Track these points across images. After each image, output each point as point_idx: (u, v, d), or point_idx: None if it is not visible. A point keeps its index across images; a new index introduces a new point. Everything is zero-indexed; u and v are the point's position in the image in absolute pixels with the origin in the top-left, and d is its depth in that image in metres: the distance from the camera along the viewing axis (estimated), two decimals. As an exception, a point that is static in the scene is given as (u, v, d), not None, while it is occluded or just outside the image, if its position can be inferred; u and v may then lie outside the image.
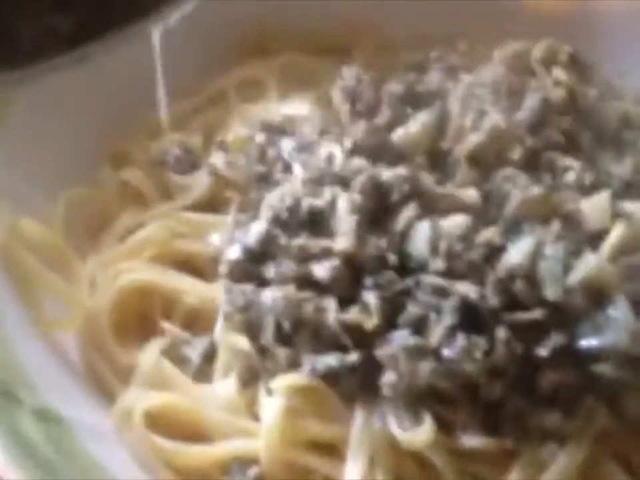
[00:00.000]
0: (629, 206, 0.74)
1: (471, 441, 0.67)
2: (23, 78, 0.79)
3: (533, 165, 0.77)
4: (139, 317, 0.76)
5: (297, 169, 0.78)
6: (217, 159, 0.83)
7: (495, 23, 0.96)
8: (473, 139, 0.77)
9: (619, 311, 0.69)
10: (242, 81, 0.94)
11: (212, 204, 0.82)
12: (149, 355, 0.72)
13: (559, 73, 0.83)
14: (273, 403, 0.68)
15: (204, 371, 0.73)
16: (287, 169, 0.80)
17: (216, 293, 0.74)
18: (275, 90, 0.92)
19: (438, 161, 0.77)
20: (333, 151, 0.77)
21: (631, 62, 0.93)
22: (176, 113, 0.91)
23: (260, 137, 0.83)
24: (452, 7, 0.99)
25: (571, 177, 0.76)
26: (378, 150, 0.77)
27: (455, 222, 0.72)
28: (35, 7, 0.79)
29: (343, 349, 0.69)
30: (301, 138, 0.81)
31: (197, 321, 0.75)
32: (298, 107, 0.86)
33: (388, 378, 0.68)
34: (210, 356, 0.73)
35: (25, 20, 0.79)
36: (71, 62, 0.81)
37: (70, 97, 0.86)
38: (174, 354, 0.73)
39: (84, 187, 0.85)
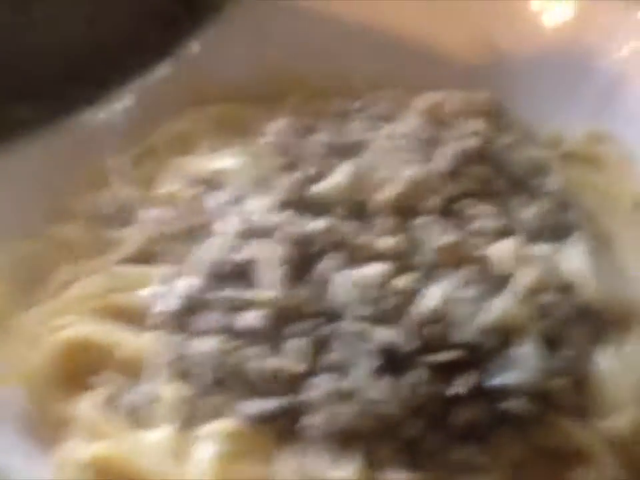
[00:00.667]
0: (536, 249, 0.79)
1: (395, 476, 0.71)
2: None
3: (448, 212, 0.82)
4: (78, 368, 0.78)
5: (225, 223, 0.83)
6: (149, 213, 0.87)
7: (417, 71, 1.01)
8: (391, 190, 0.82)
9: (526, 350, 0.74)
10: (175, 134, 0.97)
11: (144, 257, 0.85)
12: (88, 406, 0.75)
13: (473, 123, 0.88)
14: (206, 448, 0.71)
15: (142, 419, 0.75)
16: (216, 222, 0.84)
17: (150, 344, 0.77)
18: (206, 142, 0.95)
19: (359, 211, 0.82)
20: (259, 205, 0.82)
21: (544, 107, 0.98)
22: (114, 165, 0.95)
23: (189, 191, 0.87)
24: (376, 57, 1.04)
25: (483, 223, 0.81)
26: (302, 202, 0.82)
27: (372, 270, 0.77)
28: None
29: (272, 393, 0.73)
30: (230, 192, 0.85)
31: (134, 369, 0.78)
32: (228, 160, 0.90)
33: (313, 420, 0.72)
34: (148, 403, 0.75)
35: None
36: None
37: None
38: (113, 402, 0.76)
39: (24, 240, 0.87)
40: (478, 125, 0.89)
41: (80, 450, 0.72)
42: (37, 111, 0.86)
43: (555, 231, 0.83)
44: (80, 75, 0.91)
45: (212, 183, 0.88)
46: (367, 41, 1.03)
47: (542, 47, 1.02)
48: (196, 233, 0.83)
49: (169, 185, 0.89)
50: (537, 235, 0.82)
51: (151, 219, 0.86)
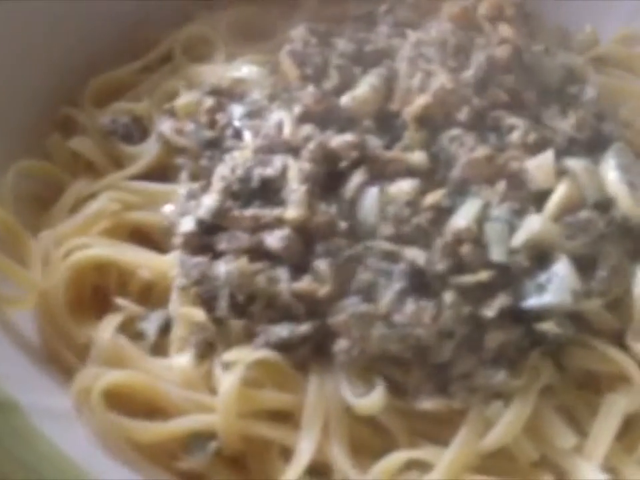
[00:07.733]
0: (572, 163, 0.75)
1: (423, 403, 0.69)
2: None
3: (479, 124, 0.77)
4: (94, 292, 0.76)
5: (247, 136, 0.79)
6: (166, 125, 0.82)
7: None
8: (420, 101, 0.77)
9: (561, 270, 0.71)
10: (189, 39, 0.91)
11: (162, 172, 0.82)
12: (105, 332, 0.72)
13: (504, 29, 0.83)
14: (228, 376, 0.68)
15: (160, 345, 0.73)
16: (237, 134, 0.80)
17: (170, 266, 0.74)
18: (222, 49, 0.90)
19: (386, 123, 0.78)
20: (283, 118, 0.77)
21: (580, 10, 0.94)
22: (123, 74, 0.90)
23: (209, 102, 0.82)
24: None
25: (515, 135, 0.77)
26: (327, 115, 0.77)
27: (403, 187, 0.73)
28: None
29: (297, 317, 0.70)
30: (251, 104, 0.81)
31: (151, 294, 0.75)
32: (247, 69, 0.85)
33: (341, 345, 0.69)
34: (165, 329, 0.73)
35: None
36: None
37: (10, 64, 0.85)
38: (130, 329, 0.73)
39: (32, 157, 0.83)
40: (509, 31, 0.83)
41: (99, 378, 0.69)
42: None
43: (591, 142, 0.78)
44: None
45: (231, 93, 0.83)
46: None
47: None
48: (216, 145, 0.79)
49: (186, 96, 0.84)
50: (572, 147, 0.77)
51: (168, 132, 0.81)
